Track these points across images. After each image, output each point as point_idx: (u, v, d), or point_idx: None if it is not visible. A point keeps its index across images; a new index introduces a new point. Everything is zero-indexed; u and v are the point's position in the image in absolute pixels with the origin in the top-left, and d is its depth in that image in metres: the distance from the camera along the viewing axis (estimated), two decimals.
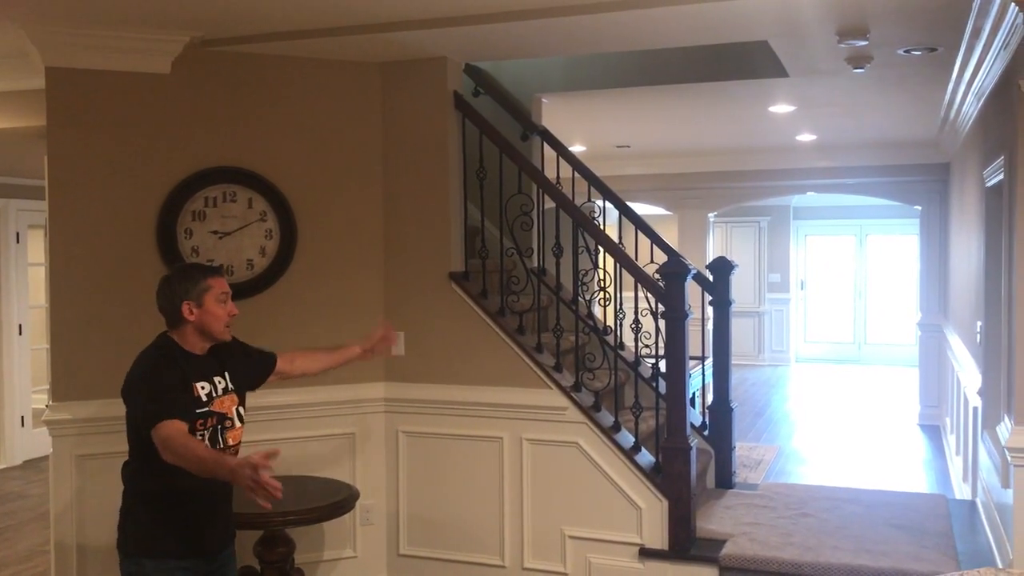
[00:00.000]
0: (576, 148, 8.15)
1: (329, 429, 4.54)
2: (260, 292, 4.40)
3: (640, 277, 4.31)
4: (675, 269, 4.20)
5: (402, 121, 4.56)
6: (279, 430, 4.41)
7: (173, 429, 2.79)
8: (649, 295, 4.33)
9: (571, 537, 4.35)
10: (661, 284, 4.25)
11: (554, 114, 6.00)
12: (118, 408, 4.06)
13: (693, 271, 4.34)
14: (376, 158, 4.59)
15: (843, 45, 4.23)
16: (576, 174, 5.23)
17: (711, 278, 5.22)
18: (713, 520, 4.49)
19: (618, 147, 8.83)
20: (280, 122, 4.42)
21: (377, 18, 3.95)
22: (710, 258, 6.68)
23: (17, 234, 7.75)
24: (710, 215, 10.60)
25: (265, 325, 4.39)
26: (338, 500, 3.96)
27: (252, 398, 4.35)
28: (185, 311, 2.99)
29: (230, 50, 4.26)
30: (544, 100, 5.74)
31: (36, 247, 8.07)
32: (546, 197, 4.66)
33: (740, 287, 7.28)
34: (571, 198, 4.66)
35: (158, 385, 2.90)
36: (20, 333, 7.77)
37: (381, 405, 4.61)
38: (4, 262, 7.64)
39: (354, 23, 4.00)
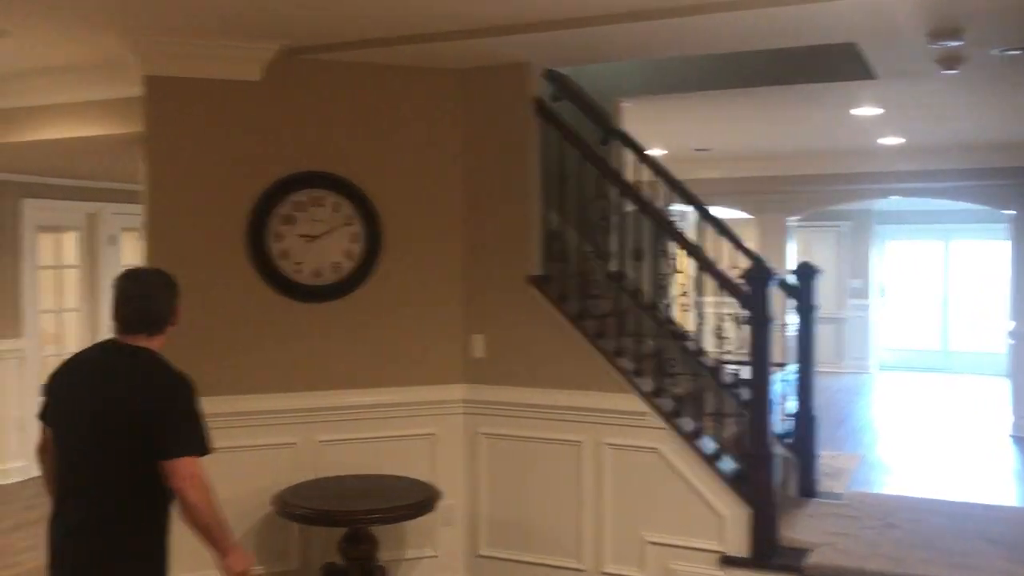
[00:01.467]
0: (654, 152, 8.11)
1: (409, 429, 4.61)
2: (345, 295, 4.49)
3: (724, 281, 4.27)
4: (760, 273, 4.15)
5: (482, 126, 4.61)
6: (360, 429, 4.51)
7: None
8: (733, 299, 4.29)
9: (650, 543, 4.34)
10: (745, 288, 4.21)
11: (633, 118, 5.98)
12: (222, 405, 4.20)
13: (778, 276, 4.28)
14: (458, 163, 4.65)
15: (935, 46, 4.13)
16: (655, 178, 5.22)
17: (794, 283, 5.15)
18: (797, 529, 4.42)
19: (697, 150, 8.75)
20: (365, 128, 4.51)
21: (460, 25, 4.00)
22: (790, 263, 6.57)
23: (112, 236, 8.03)
24: (790, 219, 10.42)
25: (350, 326, 4.50)
26: (421, 500, 4.02)
27: (335, 397, 4.48)
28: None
29: (317, 58, 4.37)
30: (624, 104, 5.73)
31: (129, 249, 8.36)
32: (625, 201, 4.66)
33: (820, 292, 7.12)
34: (652, 202, 4.64)
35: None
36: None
37: (460, 407, 4.66)
38: (100, 263, 7.92)
39: (437, 30, 4.06)
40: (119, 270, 7.80)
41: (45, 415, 2.76)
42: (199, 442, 2.63)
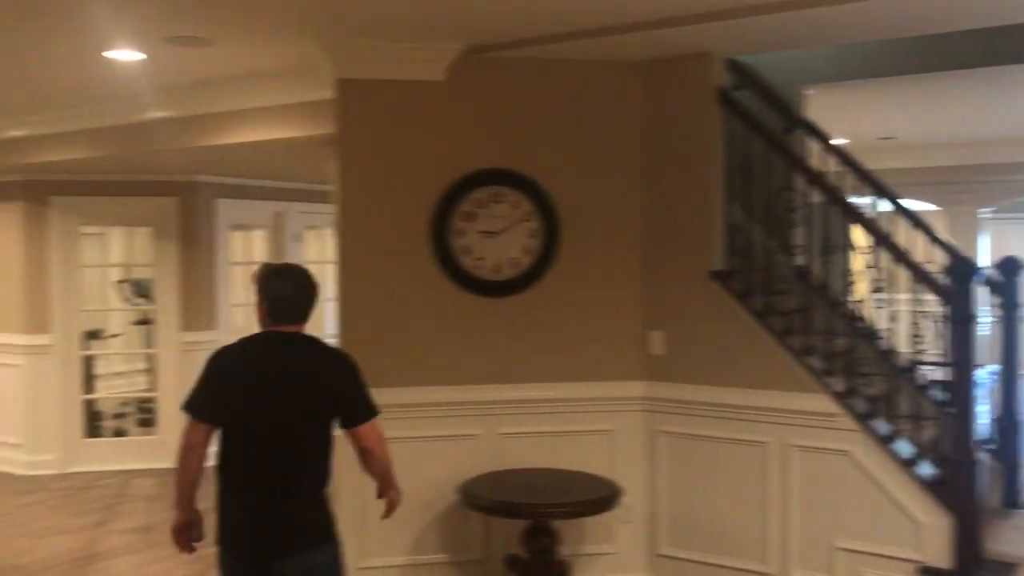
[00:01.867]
0: (835, 141, 7.76)
1: (588, 425, 4.59)
2: (524, 289, 4.53)
3: (922, 276, 4.03)
4: (964, 268, 3.90)
5: (663, 118, 4.54)
6: (540, 423, 4.53)
7: None
8: (929, 296, 4.05)
9: (841, 549, 4.15)
10: (946, 284, 3.95)
11: (816, 106, 5.74)
12: (401, 396, 4.34)
13: (983, 271, 4.00)
14: (636, 156, 4.59)
15: None
16: (842, 168, 4.98)
17: (997, 278, 4.81)
18: (1002, 541, 4.13)
19: (881, 139, 8.32)
20: (544, 124, 4.53)
21: (644, 16, 3.94)
22: (980, 256, 6.14)
23: (297, 234, 8.43)
24: (982, 211, 9.76)
25: (529, 321, 4.53)
26: (603, 496, 4.00)
27: (515, 391, 4.52)
28: None
29: (497, 56, 4.41)
30: (808, 92, 5.51)
31: (312, 246, 8.77)
32: (811, 192, 4.47)
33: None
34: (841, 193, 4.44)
35: None
36: None
37: (639, 404, 4.61)
38: (286, 259, 8.33)
39: (620, 23, 4.02)
40: (305, 265, 8.22)
41: (212, 408, 2.94)
42: (375, 406, 3.06)
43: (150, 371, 8.35)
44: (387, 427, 4.36)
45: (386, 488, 3.13)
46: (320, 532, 3.00)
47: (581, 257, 4.55)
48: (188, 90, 5.39)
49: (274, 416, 2.91)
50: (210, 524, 3.06)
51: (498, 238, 4.49)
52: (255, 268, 3.32)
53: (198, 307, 7.60)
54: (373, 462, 3.04)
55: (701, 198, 4.44)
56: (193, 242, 7.55)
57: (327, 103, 4.92)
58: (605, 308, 4.59)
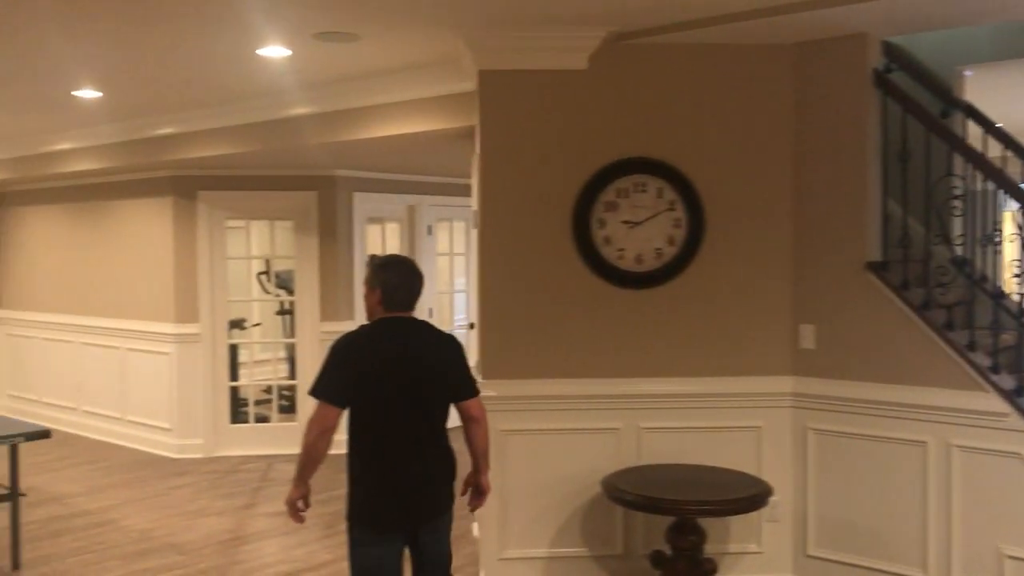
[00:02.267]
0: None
1: (733, 421, 4.47)
2: (667, 281, 4.44)
3: None
4: None
5: (815, 103, 4.36)
6: (683, 418, 4.44)
7: None
8: None
9: (1010, 557, 3.90)
10: None
11: (975, 88, 5.41)
12: (539, 388, 4.33)
13: None
14: (786, 143, 4.43)
15: None
16: (1006, 153, 4.68)
17: None
18: None
19: None
20: (689, 111, 4.42)
21: None
22: None
23: (429, 227, 8.55)
24: None
25: (672, 313, 4.44)
26: (753, 494, 3.88)
27: (657, 385, 4.44)
28: None
29: (642, 42, 4.33)
30: (967, 73, 5.20)
31: (443, 239, 8.87)
32: (976, 180, 4.21)
33: None
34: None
35: None
36: (430, 316, 8.57)
37: (788, 400, 4.45)
38: (418, 252, 8.46)
39: (772, 5, 3.87)
40: (434, 258, 8.33)
41: (345, 393, 3.11)
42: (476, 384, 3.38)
43: (290, 360, 8.64)
44: (527, 419, 4.41)
45: (484, 467, 3.39)
46: (448, 499, 3.32)
47: (727, 248, 4.43)
48: (331, 86, 5.52)
49: (405, 396, 3.14)
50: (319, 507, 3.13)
51: (641, 228, 4.41)
52: (371, 257, 3.54)
53: (336, 298, 7.80)
54: (479, 432, 3.31)
55: (856, 185, 4.25)
56: (332, 235, 7.75)
57: (467, 95, 4.96)
58: (752, 300, 4.45)
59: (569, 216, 4.40)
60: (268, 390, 8.71)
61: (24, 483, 5.12)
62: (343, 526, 3.33)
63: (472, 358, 5.00)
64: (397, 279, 3.23)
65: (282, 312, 9.07)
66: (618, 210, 4.40)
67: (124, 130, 7.13)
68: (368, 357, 3.14)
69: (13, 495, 5.02)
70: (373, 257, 3.47)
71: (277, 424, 8.09)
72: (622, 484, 4.03)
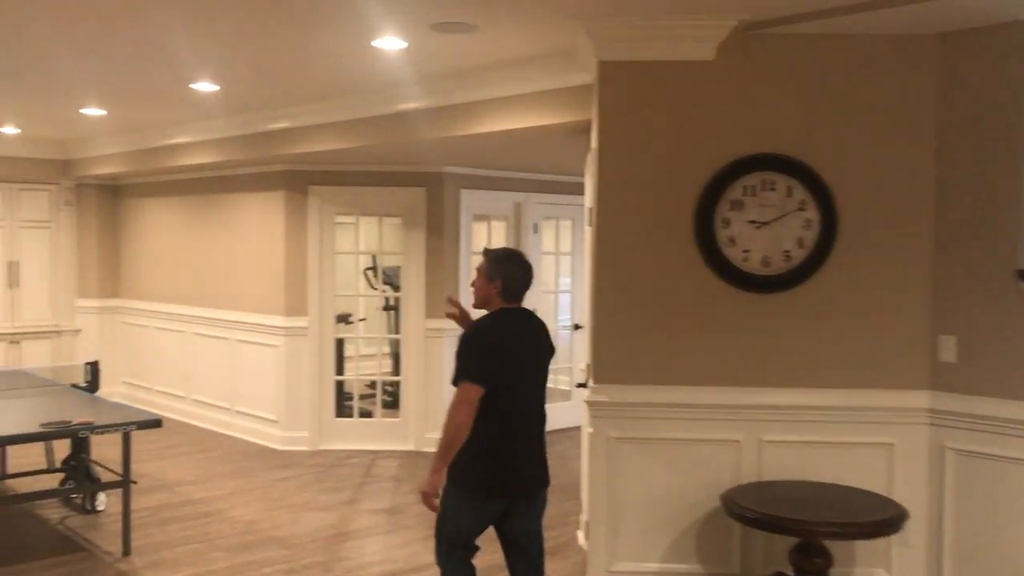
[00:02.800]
0: None
1: (862, 437, 4.18)
2: (795, 286, 4.18)
3: None
4: None
5: (961, 98, 4.03)
6: (807, 432, 4.18)
7: None
8: None
9: None
10: None
11: None
12: (654, 394, 4.15)
13: None
14: (927, 140, 4.11)
15: None
16: None
17: None
18: None
19: None
20: (823, 105, 4.14)
21: None
22: None
23: (535, 225, 8.41)
24: None
25: (799, 320, 4.18)
26: (887, 517, 3.60)
27: (780, 396, 4.18)
28: None
29: (773, 32, 4.08)
30: None
31: (548, 237, 8.73)
32: None
33: None
34: None
35: None
36: None
37: (924, 416, 4.13)
38: (523, 250, 8.30)
39: None
40: (539, 257, 8.18)
41: (487, 376, 3.38)
42: None
43: (394, 356, 8.63)
44: (641, 427, 4.22)
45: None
46: (548, 476, 3.69)
47: (861, 251, 4.14)
48: (444, 79, 5.43)
49: (529, 378, 3.57)
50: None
51: (768, 228, 4.16)
52: (486, 250, 3.71)
53: (442, 295, 7.73)
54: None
55: (1007, 186, 3.90)
56: (439, 232, 7.69)
57: (583, 89, 4.80)
58: (887, 308, 4.15)
59: (691, 214, 4.19)
60: (372, 385, 8.72)
61: (135, 470, 5.19)
62: None
63: (581, 360, 4.84)
64: (517, 272, 3.55)
65: (387, 308, 9.08)
66: (744, 209, 4.16)
67: (239, 124, 7.22)
68: (502, 344, 3.47)
69: (125, 482, 5.10)
70: (489, 250, 3.67)
71: (380, 420, 8.09)
72: (743, 500, 3.80)
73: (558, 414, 8.67)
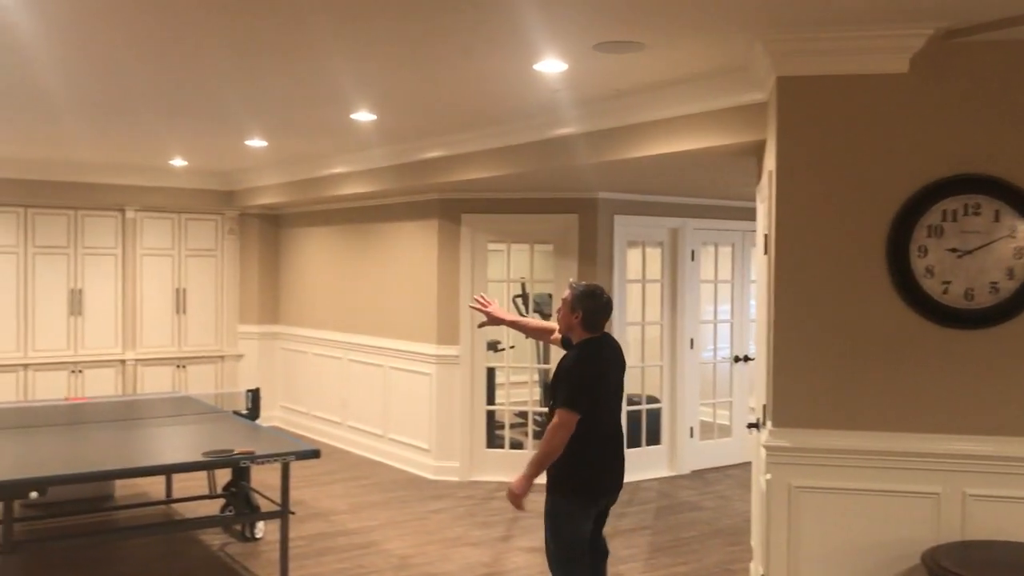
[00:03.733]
0: None
1: None
2: (1004, 321, 3.71)
3: None
4: None
5: None
6: (1019, 486, 3.69)
7: None
8: None
9: None
10: None
11: None
12: (841, 440, 3.77)
13: None
14: None
15: None
16: None
17: None
18: None
19: None
20: None
21: None
22: None
23: (692, 252, 8.08)
24: None
25: (1008, 360, 3.73)
26: None
27: (987, 444, 3.71)
28: None
29: (977, 39, 3.67)
30: None
31: (706, 264, 8.37)
32: None
33: None
34: None
35: None
36: (691, 347, 8.09)
37: None
38: (679, 278, 8.02)
39: None
40: (697, 285, 7.83)
41: (587, 402, 3.92)
42: None
43: (543, 384, 8.44)
44: (825, 475, 3.83)
45: None
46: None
47: None
48: (604, 101, 5.22)
49: (613, 397, 4.12)
50: None
51: (972, 258, 3.73)
52: (571, 283, 4.25)
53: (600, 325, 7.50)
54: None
55: None
56: (591, 258, 7.48)
57: (755, 107, 4.51)
58: None
59: (882, 242, 3.80)
60: (522, 415, 8.56)
61: (292, 496, 5.17)
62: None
63: (744, 395, 4.49)
64: (596, 306, 4.06)
65: None
66: (944, 236, 3.75)
67: (394, 154, 7.25)
68: (595, 374, 4.00)
69: (283, 512, 5.08)
70: (574, 284, 4.19)
71: (531, 451, 7.88)
72: (948, 562, 3.37)
73: (716, 451, 8.30)
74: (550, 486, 3.98)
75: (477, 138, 6.44)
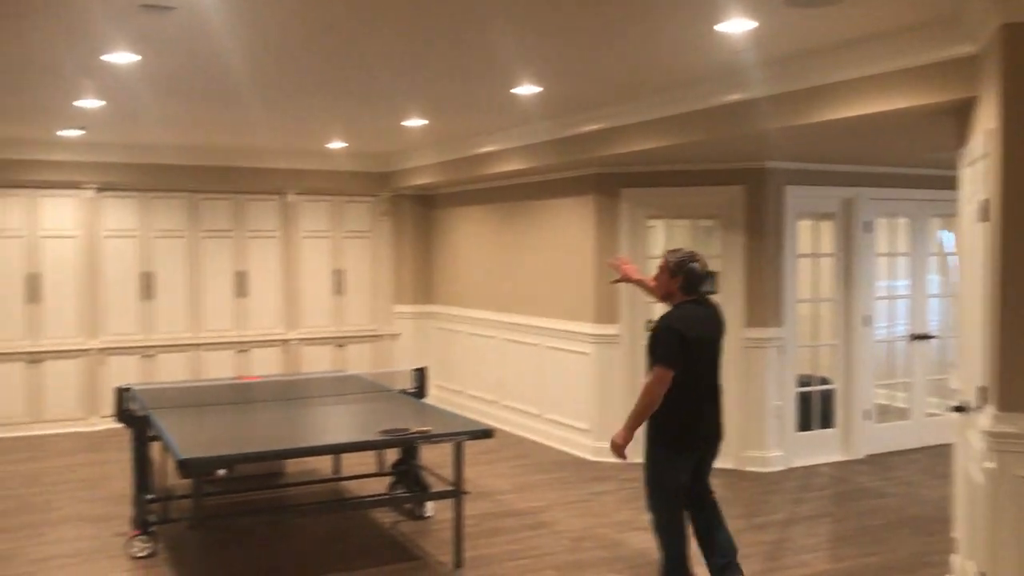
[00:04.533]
0: None
1: None
2: None
3: None
4: None
5: None
6: None
7: None
8: None
9: None
10: None
11: None
12: None
13: None
14: None
15: None
16: None
17: None
18: None
19: None
20: None
21: None
22: None
23: (866, 223, 7.59)
24: None
25: None
26: None
27: None
28: None
29: None
30: None
31: (882, 237, 7.87)
32: None
33: None
34: None
35: None
36: (866, 325, 7.62)
37: None
38: (852, 251, 7.55)
39: None
40: (872, 259, 7.36)
41: (682, 354, 4.22)
42: None
43: None
44: None
45: None
46: (722, 430, 4.52)
47: None
48: (791, 62, 4.88)
49: (708, 355, 4.38)
50: None
51: None
52: (669, 252, 4.50)
53: (763, 302, 7.17)
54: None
55: None
56: (759, 233, 7.13)
57: (962, 62, 4.10)
58: None
59: None
60: None
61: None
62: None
63: (963, 379, 4.15)
64: (695, 269, 4.36)
65: None
66: None
67: (553, 128, 7.09)
68: (688, 333, 4.25)
69: (457, 492, 5.03)
70: (671, 251, 4.48)
71: None
72: None
73: (892, 434, 7.82)
74: (648, 436, 4.36)
75: (640, 108, 6.20)
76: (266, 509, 6.10)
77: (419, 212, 10.36)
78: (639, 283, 4.93)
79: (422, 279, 10.39)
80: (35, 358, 8.80)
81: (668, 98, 5.89)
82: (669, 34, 4.39)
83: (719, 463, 7.23)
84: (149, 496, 5.44)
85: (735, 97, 5.37)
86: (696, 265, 4.36)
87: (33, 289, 8.78)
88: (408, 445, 5.31)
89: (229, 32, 4.26)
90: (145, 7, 3.75)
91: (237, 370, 9.45)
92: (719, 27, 4.20)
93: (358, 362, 9.98)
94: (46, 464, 7.54)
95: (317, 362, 9.85)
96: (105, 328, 9.07)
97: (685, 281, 4.35)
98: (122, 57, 4.73)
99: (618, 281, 5.08)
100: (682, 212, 7.61)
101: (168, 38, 4.39)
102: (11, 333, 8.71)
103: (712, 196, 7.29)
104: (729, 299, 7.26)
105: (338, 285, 10.04)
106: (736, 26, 4.18)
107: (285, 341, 9.79)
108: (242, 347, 9.62)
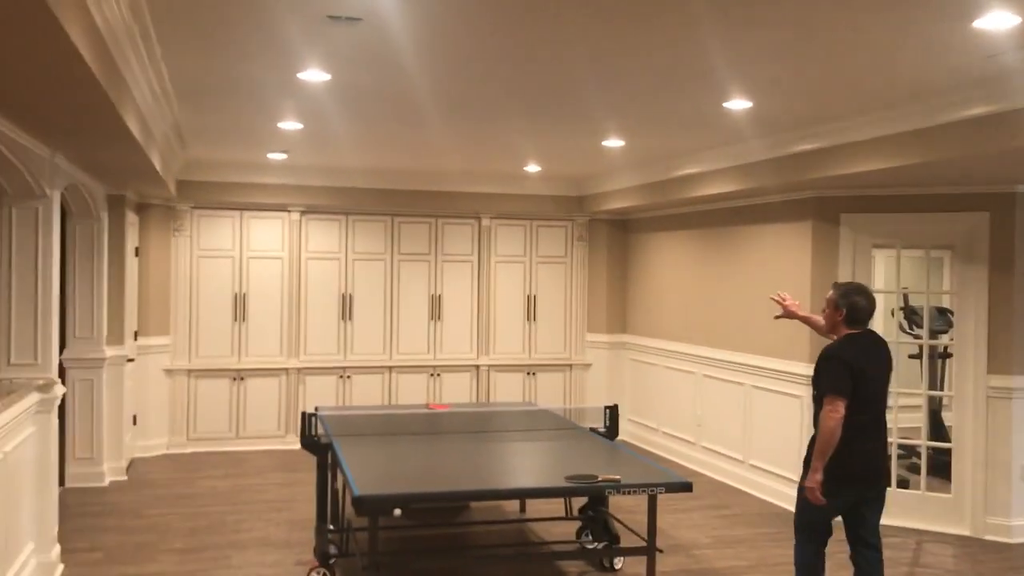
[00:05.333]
0: None
1: None
2: None
3: None
4: None
5: None
6: None
7: None
8: None
9: None
10: None
11: None
12: None
13: None
14: None
15: None
16: None
17: None
18: None
19: None
20: None
21: None
22: None
23: None
24: None
25: None
26: None
27: None
28: None
29: None
30: None
31: None
32: None
33: None
34: None
35: None
36: None
37: None
38: None
39: None
40: None
41: (850, 383, 4.14)
42: None
43: (933, 413, 7.22)
44: None
45: None
46: (888, 473, 4.53)
47: None
48: None
49: (874, 389, 4.27)
50: None
51: None
52: (835, 285, 4.48)
53: (1009, 346, 6.22)
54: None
55: None
56: (1006, 267, 6.21)
57: None
58: None
59: None
60: (909, 450, 7.36)
61: (645, 522, 4.63)
62: None
63: None
64: (860, 303, 4.30)
65: (915, 356, 7.65)
66: None
67: (764, 147, 6.48)
68: (854, 363, 4.17)
69: (650, 549, 4.56)
70: (838, 284, 4.48)
71: (924, 493, 6.67)
72: None
73: None
74: (806, 462, 4.27)
75: (865, 124, 5.51)
76: (447, 548, 5.82)
77: (615, 237, 9.94)
78: (805, 320, 4.86)
79: (616, 307, 9.94)
80: (239, 375, 9.06)
81: (902, 112, 5.17)
82: (912, 38, 3.77)
83: (952, 528, 6.43)
84: (330, 527, 5.28)
85: (990, 108, 4.59)
86: (860, 299, 4.30)
87: (240, 308, 9.05)
88: (597, 494, 4.87)
89: (418, 46, 4.05)
90: (332, 18, 3.58)
91: (429, 394, 9.36)
92: (977, 23, 3.53)
93: (548, 391, 9.65)
94: (242, 482, 7.66)
95: (507, 390, 9.61)
96: (306, 348, 9.23)
97: (849, 314, 4.29)
98: (314, 75, 4.62)
99: (781, 317, 4.95)
100: (910, 240, 6.76)
101: (356, 55, 4.22)
102: (220, 350, 9.01)
103: (949, 224, 6.42)
104: (965, 341, 6.37)
105: (530, 311, 9.78)
106: (996, 22, 3.50)
107: (476, 367, 9.62)
108: (434, 371, 9.52)
